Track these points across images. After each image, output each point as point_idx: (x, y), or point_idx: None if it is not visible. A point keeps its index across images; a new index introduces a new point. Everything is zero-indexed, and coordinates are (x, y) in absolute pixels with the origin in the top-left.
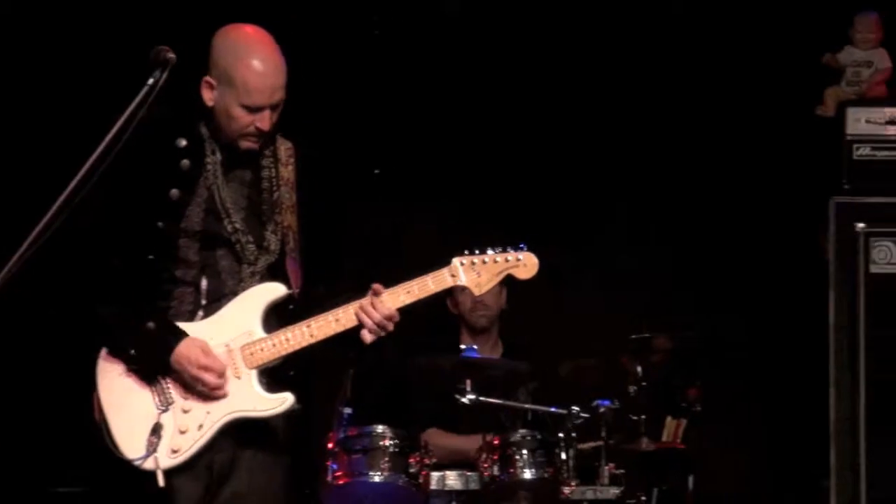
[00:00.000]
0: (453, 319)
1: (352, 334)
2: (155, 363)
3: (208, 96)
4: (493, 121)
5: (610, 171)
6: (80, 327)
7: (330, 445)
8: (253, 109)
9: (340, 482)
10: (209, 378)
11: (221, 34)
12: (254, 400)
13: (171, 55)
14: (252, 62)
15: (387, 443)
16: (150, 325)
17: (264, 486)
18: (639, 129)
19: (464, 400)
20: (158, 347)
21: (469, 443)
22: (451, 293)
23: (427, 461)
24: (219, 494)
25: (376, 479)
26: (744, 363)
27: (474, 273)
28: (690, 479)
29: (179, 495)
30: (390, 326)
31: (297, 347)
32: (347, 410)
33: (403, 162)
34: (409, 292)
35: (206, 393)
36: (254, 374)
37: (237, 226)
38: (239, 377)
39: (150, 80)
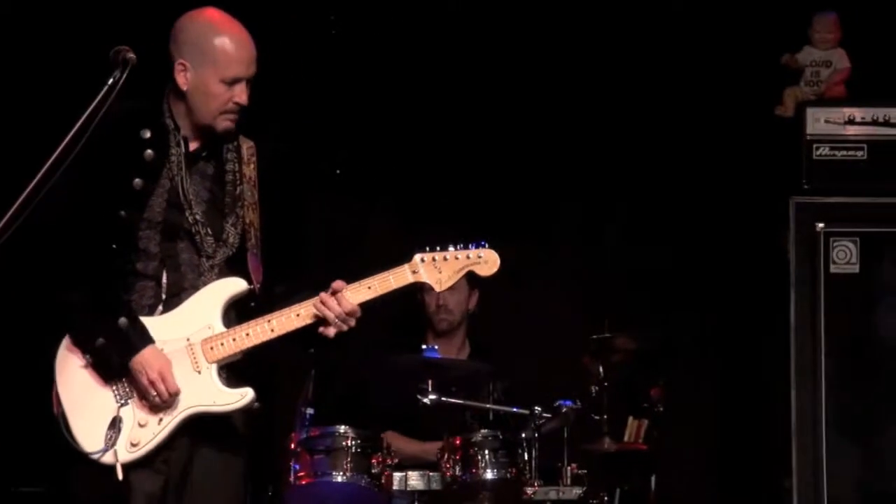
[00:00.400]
0: (421, 320)
1: (312, 330)
2: (116, 361)
3: (183, 80)
4: (451, 119)
5: (569, 170)
6: (47, 313)
7: (292, 446)
8: (231, 83)
9: (303, 482)
10: (161, 388)
11: (187, 18)
12: (214, 394)
13: (132, 55)
14: (226, 37)
15: (349, 443)
16: (123, 321)
17: (221, 487)
18: (597, 127)
19: (425, 400)
20: (124, 346)
21: (430, 448)
22: (419, 292)
23: (389, 461)
24: (176, 492)
25: (339, 479)
26: (705, 363)
27: (435, 269)
28: (653, 480)
29: (137, 490)
30: (352, 322)
31: (258, 342)
32: (309, 411)
33: (367, 159)
34: (370, 288)
35: (155, 402)
36: (214, 368)
37: (197, 217)
38: (199, 371)
39: (111, 80)
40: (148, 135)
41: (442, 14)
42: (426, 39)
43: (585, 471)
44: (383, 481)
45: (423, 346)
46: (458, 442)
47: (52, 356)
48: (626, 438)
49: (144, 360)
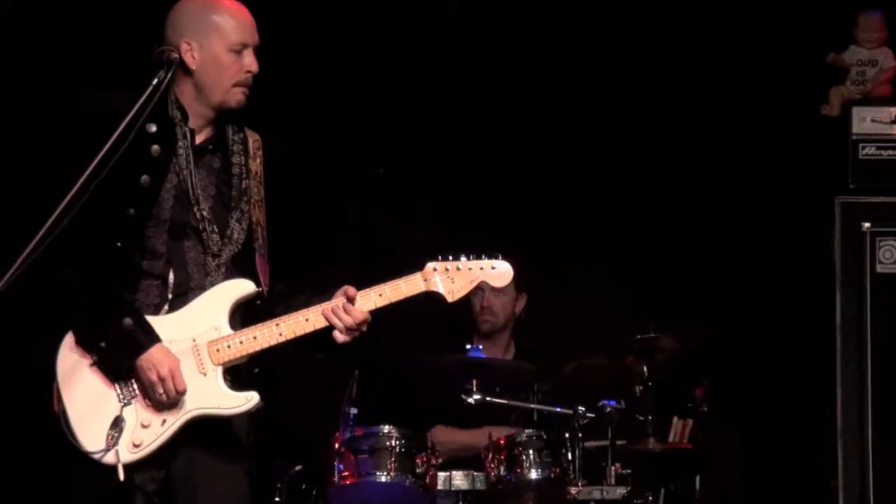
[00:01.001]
0: (466, 321)
1: (321, 335)
2: (122, 361)
3: (191, 59)
4: (497, 121)
5: (618, 171)
6: (49, 311)
7: (336, 446)
8: (240, 50)
9: (347, 482)
10: (170, 384)
11: (182, 1)
12: (219, 397)
13: (175, 55)
14: (227, 6)
15: (393, 443)
16: (127, 321)
17: (224, 489)
18: (644, 128)
19: (469, 400)
20: (131, 346)
21: (476, 437)
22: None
23: (434, 461)
24: (178, 493)
25: (383, 479)
26: (750, 363)
27: (448, 279)
28: (697, 479)
29: (139, 491)
30: (363, 329)
31: (265, 346)
32: (353, 410)
33: (407, 162)
34: (381, 295)
35: (161, 400)
36: (219, 371)
37: (204, 213)
38: (204, 374)
39: (155, 80)
40: (154, 129)
41: (482, 20)
42: (470, 44)
43: (630, 471)
44: (428, 481)
45: (468, 346)
46: (502, 442)
47: (52, 353)
48: (670, 438)
49: (153, 357)
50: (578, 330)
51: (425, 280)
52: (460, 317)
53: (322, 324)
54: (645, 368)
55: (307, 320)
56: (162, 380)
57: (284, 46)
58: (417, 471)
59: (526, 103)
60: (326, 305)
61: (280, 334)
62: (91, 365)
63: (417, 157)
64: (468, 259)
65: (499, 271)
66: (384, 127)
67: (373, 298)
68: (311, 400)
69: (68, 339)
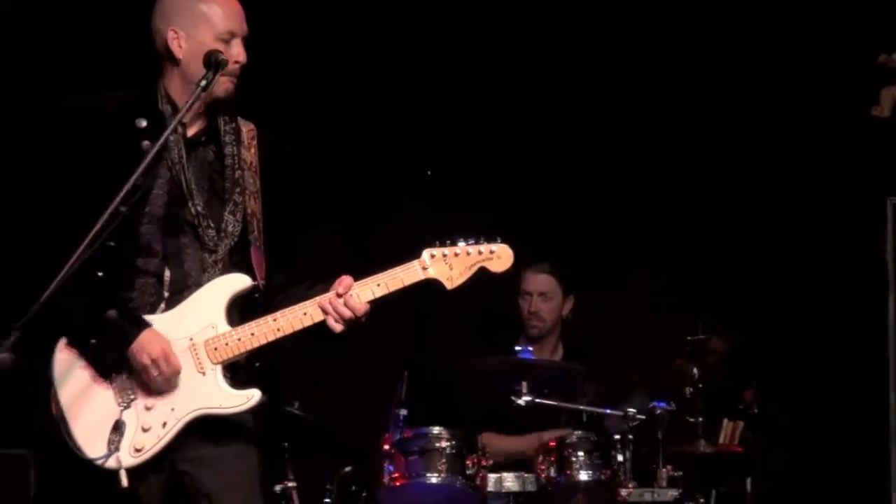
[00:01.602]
0: (514, 323)
1: (320, 327)
2: (113, 354)
3: (177, 48)
4: (539, 120)
5: (668, 173)
6: (41, 316)
7: (386, 447)
8: (227, 39)
9: (397, 483)
10: (163, 367)
11: None
12: (219, 397)
13: (224, 57)
14: None
15: (443, 444)
16: (111, 312)
17: (235, 481)
18: (694, 128)
19: (519, 402)
20: (118, 337)
21: (526, 442)
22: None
23: (484, 463)
24: (186, 492)
25: (433, 480)
26: (801, 365)
27: (445, 266)
28: (748, 482)
29: (143, 495)
30: (362, 320)
31: (264, 342)
32: (403, 412)
33: (453, 160)
34: (379, 285)
35: (155, 386)
36: (218, 369)
37: (199, 209)
38: (203, 373)
39: (203, 82)
40: (144, 124)
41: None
42: (516, 42)
43: (680, 473)
44: (478, 482)
45: (517, 348)
46: (552, 444)
47: (49, 355)
48: (721, 440)
49: (142, 341)
50: (629, 331)
51: (423, 268)
52: (509, 318)
53: (320, 317)
54: (695, 370)
55: (305, 314)
56: (154, 361)
57: (328, 48)
58: (468, 472)
59: (572, 105)
60: (324, 298)
61: (278, 329)
62: (86, 367)
63: (463, 160)
64: (466, 243)
65: (499, 255)
66: (432, 130)
67: (371, 289)
68: (361, 401)
69: (62, 343)
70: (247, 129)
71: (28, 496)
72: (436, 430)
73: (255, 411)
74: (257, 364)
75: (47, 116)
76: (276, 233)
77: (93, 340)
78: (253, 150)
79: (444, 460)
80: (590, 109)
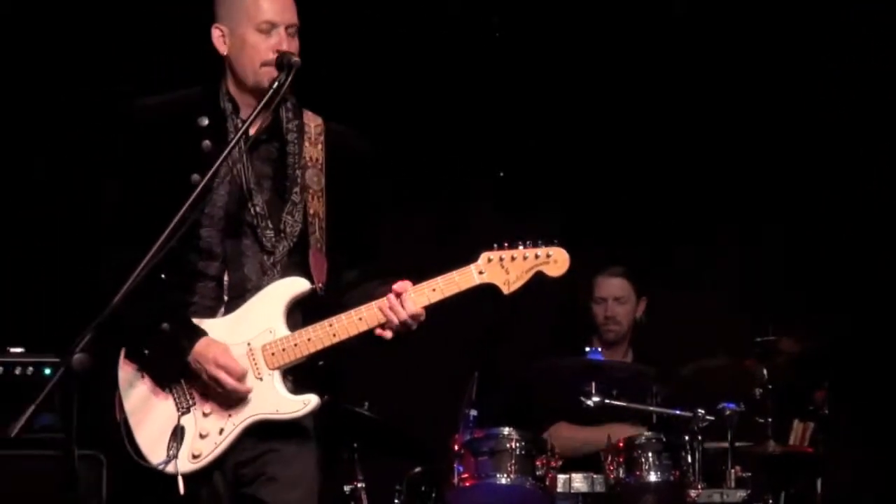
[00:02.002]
0: (586, 328)
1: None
2: (170, 366)
3: (222, 45)
4: (613, 123)
5: (739, 172)
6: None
7: (456, 447)
8: (267, 29)
9: (467, 484)
10: (225, 377)
11: None
12: (276, 402)
13: (296, 59)
14: None
15: (513, 445)
16: (165, 325)
17: (297, 477)
18: (758, 129)
19: (588, 402)
20: (172, 350)
21: (596, 434)
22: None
23: (553, 463)
24: (247, 494)
25: (503, 481)
26: (871, 365)
27: (502, 270)
28: (819, 483)
29: (203, 499)
30: (414, 326)
31: (320, 347)
32: (473, 412)
33: (530, 165)
34: (434, 290)
35: (225, 395)
36: (276, 374)
37: (258, 209)
38: (261, 378)
39: (275, 84)
40: (206, 122)
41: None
42: (593, 46)
43: (749, 474)
44: (547, 483)
45: (587, 349)
46: (621, 444)
47: (115, 360)
48: (791, 441)
49: (199, 355)
50: (698, 332)
51: (480, 272)
52: (581, 320)
53: (376, 322)
54: (765, 371)
55: (360, 319)
56: (215, 378)
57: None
58: (537, 473)
59: (644, 106)
60: (380, 303)
61: (334, 335)
62: (146, 374)
63: (536, 161)
64: (524, 247)
65: (555, 259)
66: (504, 130)
67: (426, 294)
68: (431, 402)
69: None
70: (314, 123)
71: (101, 497)
72: (506, 430)
73: (314, 413)
74: (320, 363)
75: (115, 119)
76: (348, 229)
77: (149, 349)
78: (320, 147)
79: (513, 461)
80: (661, 110)
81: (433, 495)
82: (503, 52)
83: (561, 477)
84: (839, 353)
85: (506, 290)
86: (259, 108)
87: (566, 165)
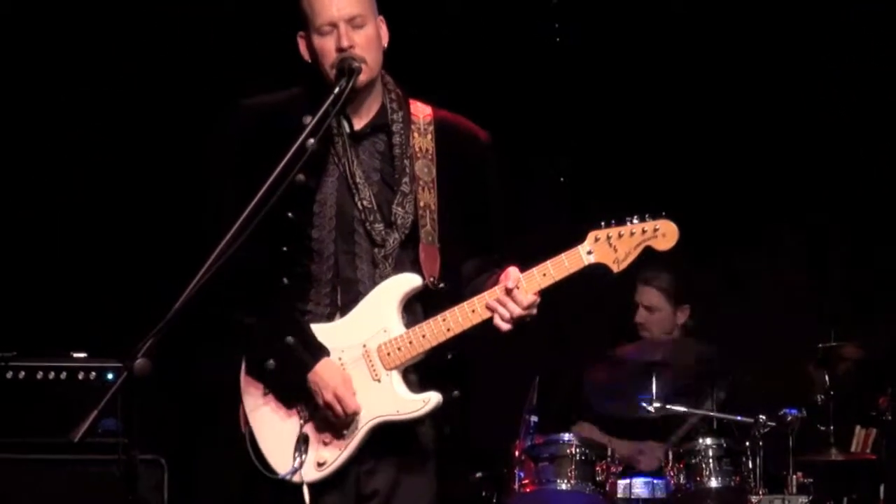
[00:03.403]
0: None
1: (490, 322)
2: (292, 380)
3: (304, 50)
4: (677, 126)
5: (801, 173)
6: (228, 337)
7: (516, 453)
8: (328, 31)
9: (527, 490)
10: (339, 410)
11: None
12: (396, 403)
13: (357, 64)
14: None
15: (574, 451)
16: (290, 339)
17: (410, 499)
18: (827, 131)
19: (649, 409)
20: (296, 365)
21: (628, 448)
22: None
23: (613, 469)
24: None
25: (563, 487)
26: None
27: (610, 249)
28: (881, 490)
29: None
30: (534, 312)
31: (435, 343)
32: (534, 418)
33: (590, 166)
34: (545, 274)
35: (334, 420)
36: (394, 374)
37: (365, 203)
38: (378, 380)
39: (336, 89)
40: (309, 120)
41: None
42: (648, 47)
43: (811, 480)
44: (608, 489)
45: None
46: (681, 450)
47: (237, 371)
48: (853, 448)
49: (318, 378)
50: (759, 337)
51: (588, 252)
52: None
53: (488, 313)
54: (826, 377)
55: (473, 311)
56: (328, 405)
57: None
58: (597, 478)
59: (701, 108)
60: (491, 294)
61: (448, 329)
62: (268, 385)
63: (597, 162)
64: (631, 222)
65: (664, 233)
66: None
67: (537, 279)
68: (492, 407)
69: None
70: (423, 114)
71: (163, 500)
72: (566, 436)
73: (433, 417)
74: (449, 356)
75: (221, 119)
76: (463, 220)
77: (271, 363)
78: (430, 137)
79: (573, 467)
80: (719, 112)
81: (494, 501)
82: (577, 61)
83: (621, 483)
84: None
85: (615, 269)
86: (320, 113)
87: (629, 164)
